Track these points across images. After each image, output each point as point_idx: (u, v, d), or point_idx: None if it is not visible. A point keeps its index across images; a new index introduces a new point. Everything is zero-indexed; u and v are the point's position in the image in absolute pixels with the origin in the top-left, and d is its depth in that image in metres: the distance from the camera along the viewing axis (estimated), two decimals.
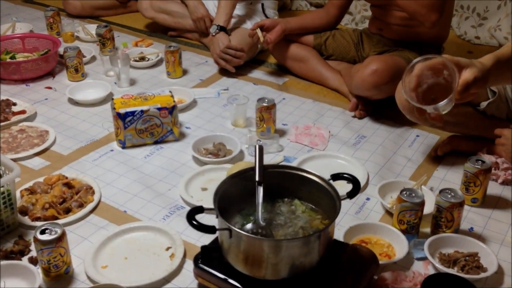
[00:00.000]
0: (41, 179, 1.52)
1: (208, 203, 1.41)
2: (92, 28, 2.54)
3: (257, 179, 1.15)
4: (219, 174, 1.58)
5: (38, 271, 1.20)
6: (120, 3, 2.91)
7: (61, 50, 2.22)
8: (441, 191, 1.35)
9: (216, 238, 1.18)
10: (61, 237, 1.17)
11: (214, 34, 2.24)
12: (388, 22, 2.02)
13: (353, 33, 2.20)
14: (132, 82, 2.17)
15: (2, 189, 1.28)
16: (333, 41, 2.19)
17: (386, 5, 1.97)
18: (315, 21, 2.21)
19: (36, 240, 1.16)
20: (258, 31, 2.11)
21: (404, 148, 1.78)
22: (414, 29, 1.97)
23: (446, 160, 1.70)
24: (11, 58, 2.18)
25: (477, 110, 1.64)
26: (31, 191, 1.47)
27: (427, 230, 1.38)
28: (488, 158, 1.54)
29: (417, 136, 1.85)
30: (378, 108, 1.97)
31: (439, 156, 1.71)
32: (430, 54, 1.19)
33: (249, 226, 1.13)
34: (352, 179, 1.18)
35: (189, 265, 1.25)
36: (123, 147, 1.73)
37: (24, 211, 1.40)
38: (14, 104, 1.94)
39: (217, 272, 1.14)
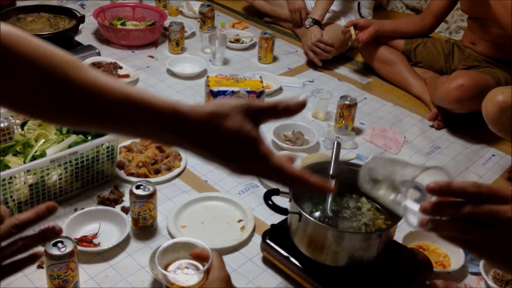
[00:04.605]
0: (137, 140, 1.70)
1: (281, 186, 1.52)
2: (195, 4, 2.71)
3: (331, 172, 1.24)
4: None
5: (128, 219, 1.38)
6: None
7: (166, 23, 2.41)
8: None
9: (285, 219, 1.29)
10: (152, 194, 1.34)
11: (308, 26, 2.33)
12: (483, 37, 2.02)
13: (445, 43, 2.21)
14: (225, 62, 2.31)
15: (107, 143, 1.47)
16: (423, 48, 2.22)
17: (483, 19, 1.97)
18: (409, 27, 2.25)
19: (131, 193, 1.33)
20: (352, 29, 2.18)
21: (477, 165, 1.81)
22: (509, 48, 1.97)
23: None
24: (121, 24, 2.40)
25: None
26: (129, 149, 1.65)
27: None
28: None
29: (493, 155, 1.87)
30: (457, 121, 1.99)
31: None
32: None
33: (317, 214, 1.24)
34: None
35: (257, 238, 1.39)
36: None
37: (121, 166, 1.58)
38: (120, 67, 2.13)
39: (282, 249, 1.27)
